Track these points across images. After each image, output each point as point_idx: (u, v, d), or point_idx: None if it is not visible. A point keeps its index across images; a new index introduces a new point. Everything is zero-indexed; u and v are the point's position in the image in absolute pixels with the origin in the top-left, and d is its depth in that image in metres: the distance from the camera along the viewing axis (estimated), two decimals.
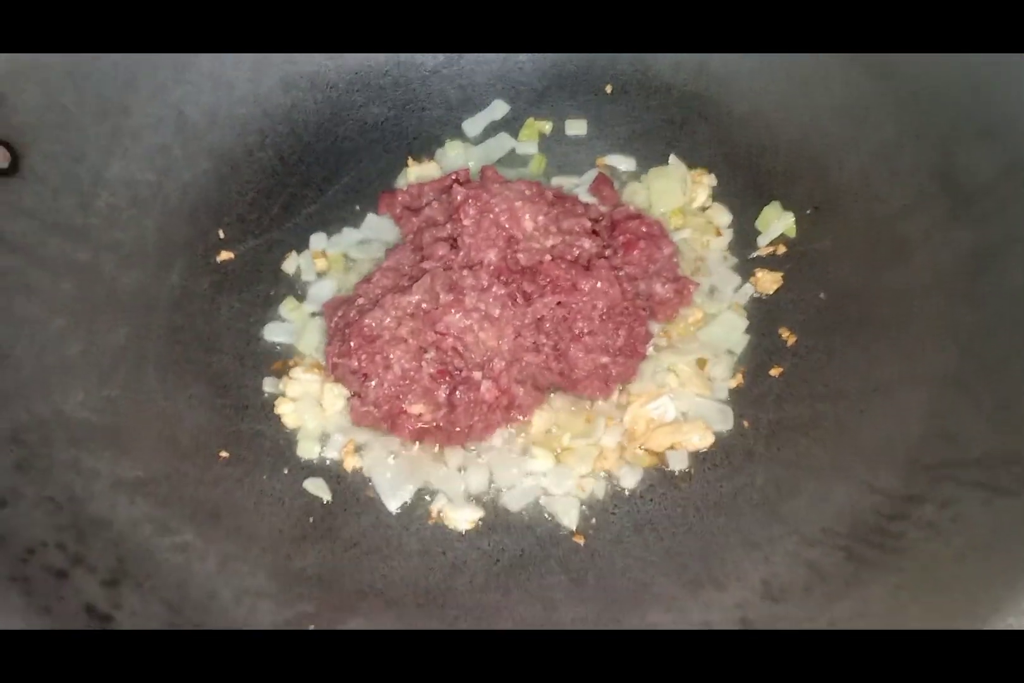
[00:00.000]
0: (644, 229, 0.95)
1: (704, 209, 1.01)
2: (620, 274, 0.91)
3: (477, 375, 0.86)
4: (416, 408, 0.87)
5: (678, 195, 0.99)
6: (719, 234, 0.99)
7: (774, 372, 0.91)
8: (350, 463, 0.89)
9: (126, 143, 0.97)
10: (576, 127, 1.08)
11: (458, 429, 0.88)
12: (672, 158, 1.03)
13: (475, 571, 0.84)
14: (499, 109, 1.10)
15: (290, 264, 1.01)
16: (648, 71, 1.07)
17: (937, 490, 0.73)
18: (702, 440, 0.87)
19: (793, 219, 0.97)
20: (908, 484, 0.76)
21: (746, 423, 0.89)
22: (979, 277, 0.84)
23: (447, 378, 0.87)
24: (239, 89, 1.05)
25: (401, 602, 0.81)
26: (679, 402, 0.89)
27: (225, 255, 1.00)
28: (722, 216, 1.00)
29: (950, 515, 0.70)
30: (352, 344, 0.88)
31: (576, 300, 0.88)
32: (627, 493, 0.87)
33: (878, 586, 0.68)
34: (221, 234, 1.01)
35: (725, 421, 0.89)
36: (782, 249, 0.97)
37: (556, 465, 0.88)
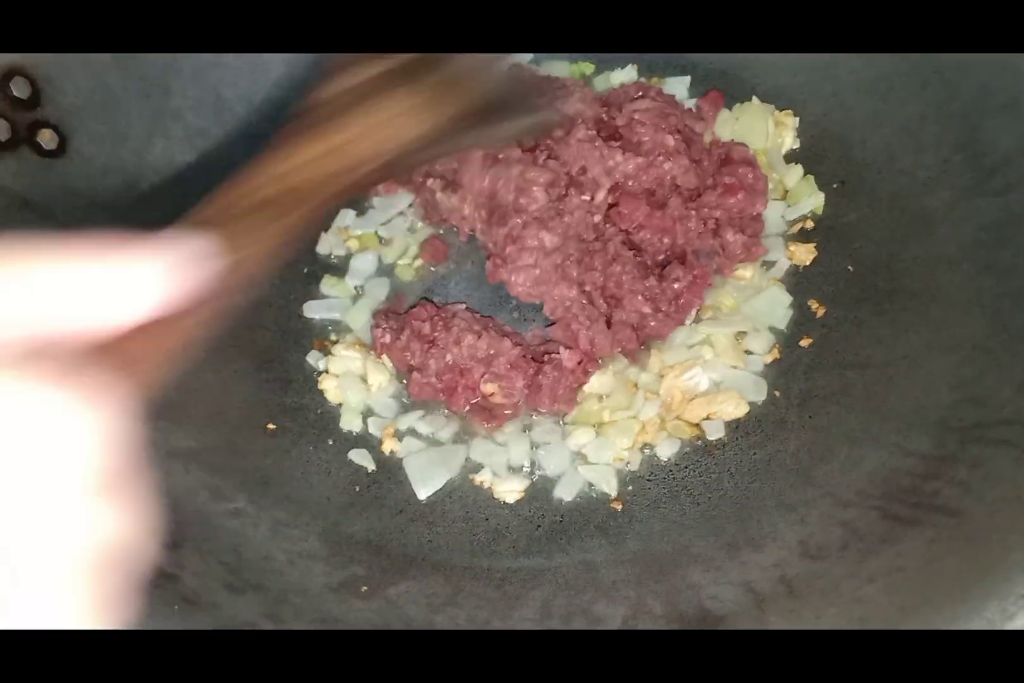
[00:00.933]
0: (750, 179, 0.96)
1: (788, 154, 1.03)
2: (695, 214, 0.93)
3: (565, 354, 0.89)
4: (489, 387, 0.89)
5: (763, 133, 1.01)
6: (785, 195, 1.00)
7: (804, 343, 0.93)
8: (388, 446, 0.92)
9: (167, 125, 0.99)
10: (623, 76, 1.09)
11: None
12: (755, 99, 1.05)
13: (517, 536, 0.86)
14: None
15: (324, 245, 1.03)
16: None
17: (968, 451, 0.76)
18: (737, 409, 0.89)
19: (823, 198, 0.99)
20: (939, 446, 0.78)
21: (777, 393, 0.91)
22: (1003, 247, 0.86)
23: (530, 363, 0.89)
24: (274, 72, 1.07)
25: (448, 565, 0.83)
26: (712, 372, 0.91)
27: None
28: (793, 174, 1.01)
29: (981, 474, 0.73)
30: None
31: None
32: (662, 462, 0.90)
33: (913, 541, 0.71)
34: None
35: (759, 392, 0.91)
36: (809, 224, 0.99)
37: (597, 437, 0.90)
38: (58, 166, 0.90)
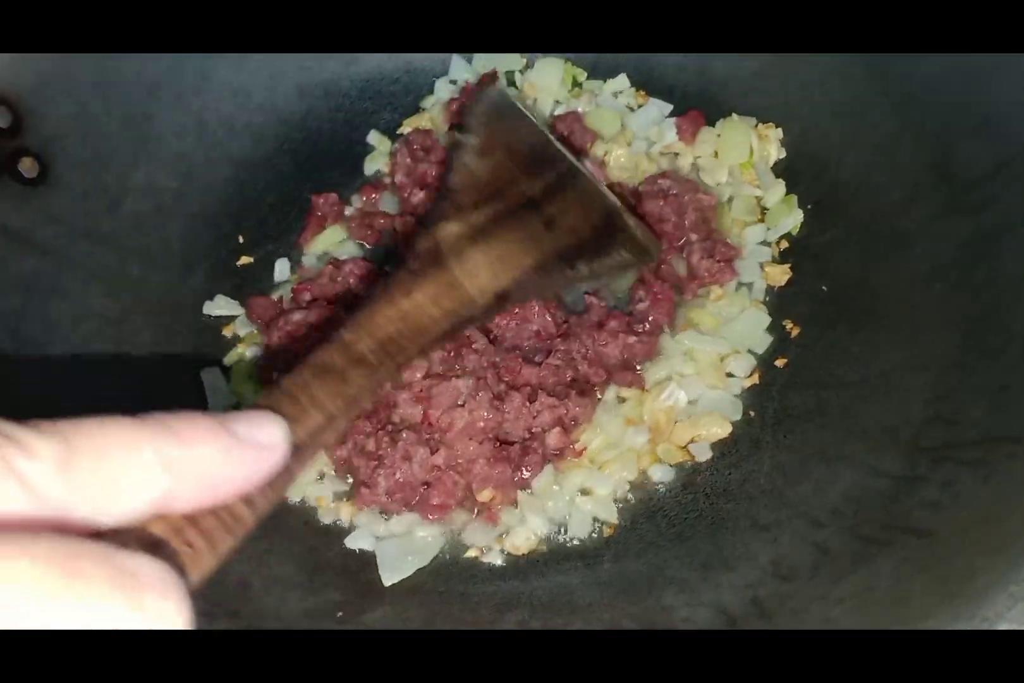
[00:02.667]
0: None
1: (774, 166, 1.03)
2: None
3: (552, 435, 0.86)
4: (485, 495, 0.85)
5: (746, 147, 1.02)
6: (761, 219, 1.01)
7: (779, 363, 0.93)
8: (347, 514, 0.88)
9: (150, 150, 1.00)
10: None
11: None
12: (735, 115, 1.05)
13: (493, 560, 0.86)
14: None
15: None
16: (652, 73, 1.10)
17: (939, 470, 0.76)
18: (722, 430, 0.89)
19: (802, 215, 0.99)
20: (911, 466, 0.78)
21: (752, 412, 0.91)
22: (976, 266, 0.86)
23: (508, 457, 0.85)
24: (256, 97, 1.08)
25: (423, 589, 0.83)
26: (688, 390, 0.91)
27: (245, 259, 1.03)
28: (776, 191, 1.01)
29: (952, 493, 0.73)
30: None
31: None
32: (638, 483, 0.89)
33: (884, 562, 0.71)
34: (241, 239, 1.04)
35: (735, 412, 0.91)
36: (784, 244, 1.00)
37: (594, 473, 0.88)
38: (39, 192, 0.91)
